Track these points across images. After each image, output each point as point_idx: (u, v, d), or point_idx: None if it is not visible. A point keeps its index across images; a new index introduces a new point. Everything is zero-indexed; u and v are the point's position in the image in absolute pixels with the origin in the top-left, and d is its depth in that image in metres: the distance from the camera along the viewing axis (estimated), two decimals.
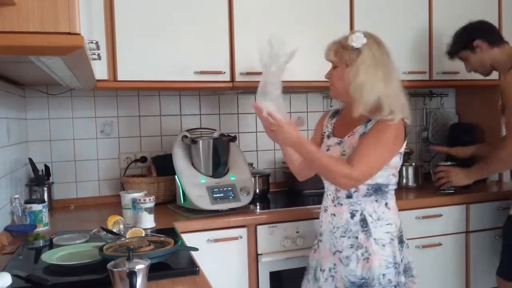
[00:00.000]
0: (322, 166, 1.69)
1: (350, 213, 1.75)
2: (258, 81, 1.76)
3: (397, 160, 1.75)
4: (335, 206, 1.79)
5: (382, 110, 1.67)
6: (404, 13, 2.67)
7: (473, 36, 2.36)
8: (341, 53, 1.73)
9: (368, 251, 1.71)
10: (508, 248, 2.25)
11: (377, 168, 1.69)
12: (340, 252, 1.76)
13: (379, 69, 1.68)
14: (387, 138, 1.67)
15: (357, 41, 1.68)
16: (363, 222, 1.73)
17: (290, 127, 1.64)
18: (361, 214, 1.73)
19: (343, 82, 1.73)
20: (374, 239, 1.71)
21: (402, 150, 1.76)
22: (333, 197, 1.80)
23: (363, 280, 1.71)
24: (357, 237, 1.73)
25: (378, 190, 1.74)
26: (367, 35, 1.72)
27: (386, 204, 1.75)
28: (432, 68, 2.74)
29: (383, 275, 1.70)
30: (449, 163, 2.59)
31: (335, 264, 1.78)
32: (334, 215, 1.79)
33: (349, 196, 1.75)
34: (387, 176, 1.74)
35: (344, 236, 1.76)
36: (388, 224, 1.74)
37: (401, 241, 1.78)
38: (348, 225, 1.75)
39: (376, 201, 1.74)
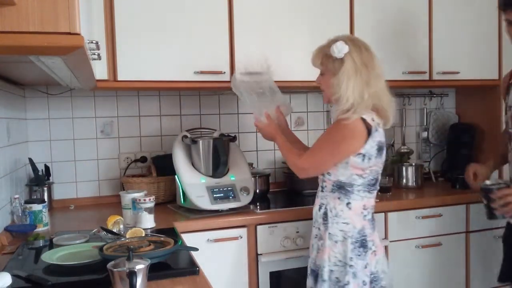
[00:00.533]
0: (283, 156, 1.97)
1: (319, 205, 1.85)
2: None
3: (357, 161, 1.72)
4: (315, 198, 1.89)
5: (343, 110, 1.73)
6: (404, 13, 2.67)
7: None
8: (326, 62, 1.78)
9: (324, 243, 1.79)
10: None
11: (324, 162, 1.77)
12: (311, 240, 1.89)
13: (361, 76, 1.72)
14: (336, 136, 1.75)
15: (339, 51, 1.72)
16: (325, 215, 1.81)
17: (265, 127, 2.00)
18: (325, 208, 1.81)
19: (330, 89, 1.78)
20: (329, 233, 1.78)
21: (366, 151, 1.71)
22: (317, 189, 1.90)
23: (319, 270, 1.80)
24: (319, 228, 1.83)
25: (341, 188, 1.77)
26: (349, 41, 1.76)
27: (348, 203, 1.77)
28: (432, 68, 2.74)
29: (331, 271, 1.77)
30: (502, 182, 1.95)
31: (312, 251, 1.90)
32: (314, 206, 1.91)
33: (321, 190, 1.85)
34: (350, 175, 1.75)
35: (314, 226, 1.88)
36: (344, 223, 1.77)
37: (362, 246, 1.76)
38: (316, 216, 1.86)
39: (338, 198, 1.78)
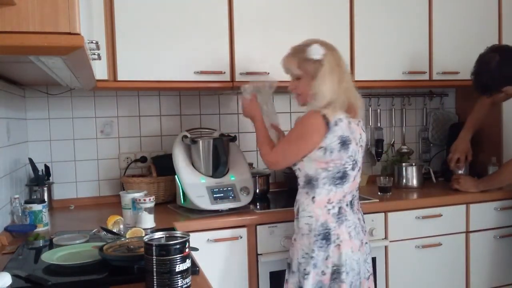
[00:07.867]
0: (257, 143, 2.06)
1: (295, 202, 1.96)
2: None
3: (319, 154, 1.81)
4: None
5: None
6: (404, 13, 2.67)
7: (505, 84, 2.33)
8: (305, 65, 1.87)
9: (296, 237, 1.91)
10: None
11: (289, 156, 1.89)
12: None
13: (336, 75, 1.84)
14: (297, 131, 1.87)
15: (317, 53, 1.83)
16: (298, 210, 1.92)
17: (248, 103, 2.10)
18: (298, 204, 1.93)
19: (308, 91, 1.86)
20: (299, 227, 1.90)
21: (327, 144, 1.79)
22: None
23: (291, 262, 1.91)
24: (295, 223, 1.95)
25: (309, 183, 1.87)
26: (323, 44, 1.86)
27: (313, 197, 1.86)
28: (432, 68, 2.74)
29: (300, 263, 1.86)
30: None
31: None
32: None
33: (298, 187, 1.95)
34: (315, 169, 1.85)
35: (294, 221, 1.98)
36: (309, 216, 1.86)
37: (325, 238, 1.83)
38: (295, 212, 1.96)
39: (307, 193, 1.89)
